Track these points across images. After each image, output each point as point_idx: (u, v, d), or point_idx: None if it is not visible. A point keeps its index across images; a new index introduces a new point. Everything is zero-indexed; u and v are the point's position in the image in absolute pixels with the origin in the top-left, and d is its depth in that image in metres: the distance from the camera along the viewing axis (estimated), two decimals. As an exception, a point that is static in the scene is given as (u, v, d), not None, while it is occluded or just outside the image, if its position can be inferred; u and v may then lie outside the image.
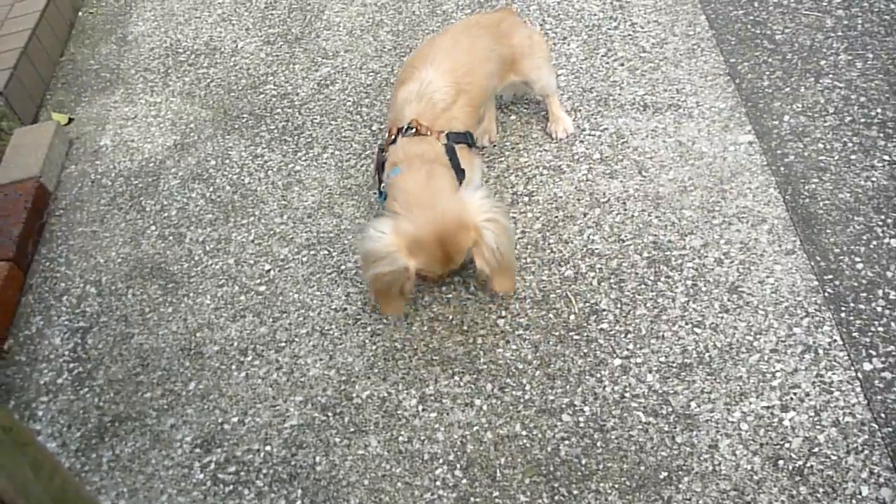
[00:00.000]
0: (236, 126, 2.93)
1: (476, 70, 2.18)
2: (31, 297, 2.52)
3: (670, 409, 1.87)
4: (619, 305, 2.09)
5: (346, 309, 2.25)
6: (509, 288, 2.08)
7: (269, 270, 2.41)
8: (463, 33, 2.27)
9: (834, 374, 1.86)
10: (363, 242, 1.93)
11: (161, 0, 3.71)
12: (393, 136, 2.08)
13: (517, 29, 2.41)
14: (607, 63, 2.76)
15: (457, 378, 2.03)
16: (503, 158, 2.52)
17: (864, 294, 1.99)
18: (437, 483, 1.86)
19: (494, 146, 2.56)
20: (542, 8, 3.05)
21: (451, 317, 2.16)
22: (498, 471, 1.85)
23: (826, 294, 2.01)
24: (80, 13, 3.77)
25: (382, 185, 2.07)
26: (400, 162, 2.01)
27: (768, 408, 1.83)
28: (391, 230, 1.89)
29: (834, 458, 1.73)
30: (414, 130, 2.04)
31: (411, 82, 2.13)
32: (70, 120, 3.17)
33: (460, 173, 2.06)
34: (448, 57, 2.16)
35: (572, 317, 2.10)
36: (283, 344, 2.21)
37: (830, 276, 2.04)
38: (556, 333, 2.07)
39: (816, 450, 1.75)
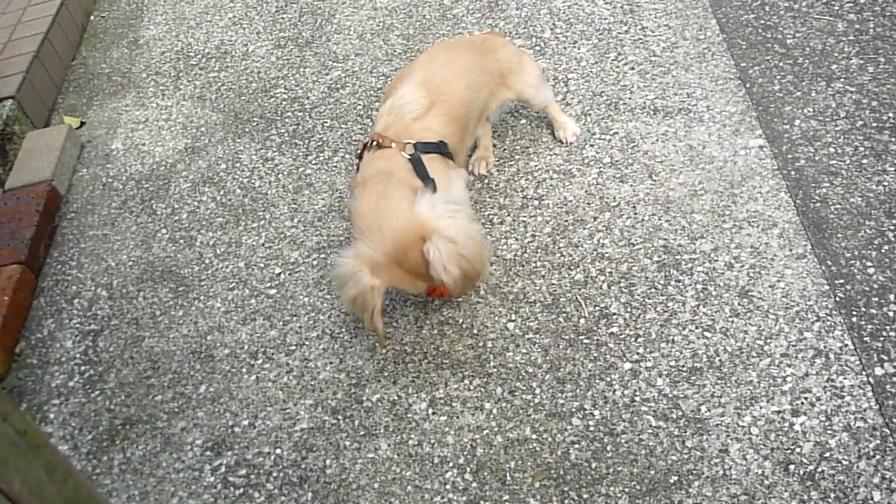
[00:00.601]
0: (247, 130, 2.94)
1: (454, 81, 2.15)
2: (43, 300, 2.53)
3: (680, 414, 1.87)
4: (629, 309, 2.09)
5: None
6: (478, 277, 1.99)
7: (279, 274, 2.41)
8: (442, 50, 2.29)
9: (845, 378, 1.85)
10: (331, 270, 1.97)
11: (172, 4, 3.73)
12: (359, 151, 2.09)
13: (503, 45, 2.42)
14: (618, 67, 2.76)
15: (467, 382, 2.04)
16: (513, 162, 2.53)
17: (876, 298, 1.98)
18: (447, 486, 1.86)
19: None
20: (552, 12, 3.05)
21: (460, 320, 2.16)
22: (508, 474, 1.85)
23: (837, 298, 2.00)
24: (91, 17, 3.79)
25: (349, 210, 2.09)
26: (357, 185, 2.01)
27: (779, 412, 1.83)
28: (352, 254, 1.90)
29: (845, 462, 1.72)
30: (376, 144, 2.03)
31: (389, 99, 2.14)
32: (82, 123, 3.19)
33: (429, 183, 1.99)
34: (423, 70, 2.15)
35: (582, 321, 2.10)
36: (293, 347, 2.22)
37: (842, 281, 2.03)
38: (566, 337, 2.07)
39: (828, 454, 1.74)
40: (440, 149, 2.06)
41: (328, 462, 1.96)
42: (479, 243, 1.93)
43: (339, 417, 2.04)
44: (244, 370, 2.20)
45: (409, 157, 2.00)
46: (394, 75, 2.95)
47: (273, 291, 2.37)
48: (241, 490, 1.96)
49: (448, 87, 2.13)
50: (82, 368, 2.31)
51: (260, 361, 2.21)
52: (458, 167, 2.19)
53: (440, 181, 2.01)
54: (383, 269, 1.89)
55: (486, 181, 2.49)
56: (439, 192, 1.99)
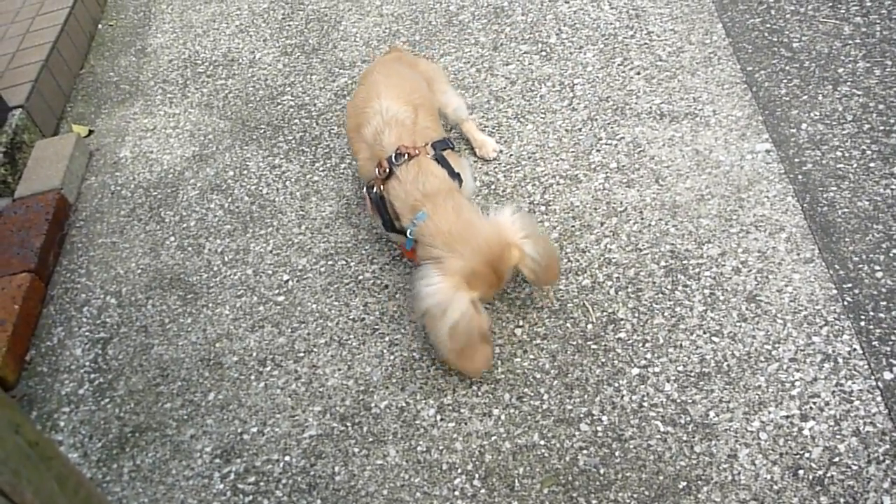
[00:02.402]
0: (254, 137, 2.96)
1: (417, 87, 2.30)
2: (53, 308, 2.55)
3: (689, 419, 1.87)
4: (636, 315, 2.09)
5: (363, 319, 2.26)
6: (555, 278, 2.16)
7: (287, 281, 2.42)
8: (382, 70, 2.36)
9: (854, 383, 1.85)
10: (421, 303, 1.90)
11: (180, 12, 3.75)
12: (385, 169, 2.06)
13: (418, 59, 2.60)
14: (624, 72, 2.76)
15: (475, 388, 2.04)
16: (520, 168, 2.53)
17: (884, 303, 1.97)
18: (456, 493, 1.86)
19: (502, 153, 2.57)
20: (557, 17, 3.06)
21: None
22: (516, 480, 1.85)
23: (845, 303, 2.00)
24: (99, 26, 3.82)
25: (408, 233, 2.02)
26: (419, 203, 2.00)
27: (788, 417, 1.82)
28: (442, 276, 1.88)
29: (855, 467, 1.72)
30: (406, 157, 2.04)
31: (371, 119, 2.16)
32: (90, 132, 3.20)
33: (456, 178, 2.09)
34: (388, 86, 2.22)
35: (590, 326, 2.10)
36: (301, 354, 2.22)
37: (849, 285, 2.03)
38: (574, 343, 2.07)
39: (837, 459, 1.74)
40: (448, 143, 2.16)
41: (337, 469, 1.97)
42: (549, 241, 2.13)
43: (348, 424, 2.04)
44: (253, 377, 2.20)
45: (433, 157, 2.07)
46: (400, 82, 2.96)
47: (281, 298, 2.38)
48: (251, 497, 1.96)
49: (417, 92, 2.26)
50: (92, 376, 2.32)
51: (268, 368, 2.21)
52: (462, 156, 2.31)
53: (461, 174, 2.12)
54: (477, 277, 1.90)
55: (493, 187, 2.49)
56: (468, 183, 2.18)
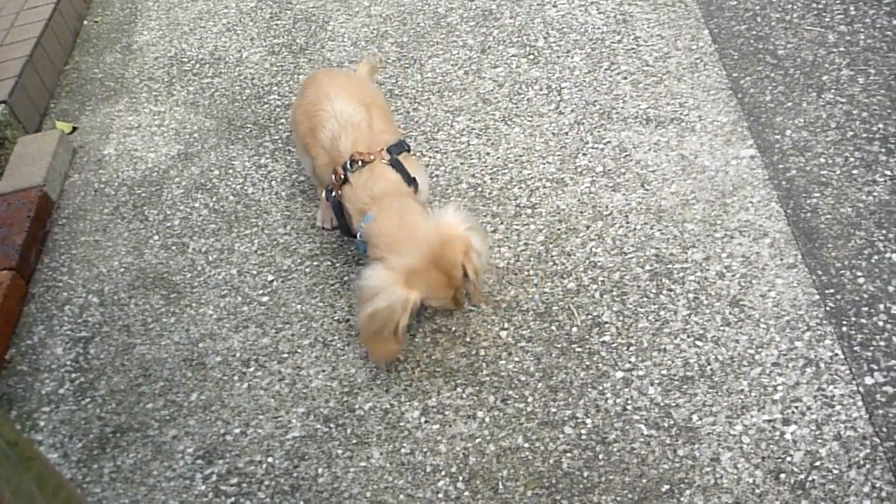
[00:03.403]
0: (240, 136, 2.94)
1: (364, 86, 2.34)
2: (34, 306, 2.52)
3: (672, 422, 1.88)
4: (621, 318, 2.10)
5: (349, 320, 2.25)
6: (478, 299, 2.15)
7: (272, 281, 2.41)
8: (328, 72, 2.43)
9: (835, 387, 1.86)
10: (358, 282, 1.95)
11: (166, 10, 3.73)
12: (341, 176, 2.09)
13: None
14: (610, 77, 2.77)
15: (459, 390, 2.04)
16: (506, 171, 2.53)
17: (866, 308, 1.99)
18: (440, 495, 1.86)
19: (489, 156, 2.58)
20: (545, 21, 3.07)
21: (453, 328, 2.17)
22: (500, 483, 1.85)
23: (827, 308, 2.01)
24: (84, 22, 3.79)
25: (357, 235, 2.07)
26: (366, 206, 2.04)
27: (770, 421, 1.83)
28: (385, 268, 1.92)
29: (836, 471, 1.73)
30: (360, 163, 2.08)
31: (326, 122, 2.18)
32: (74, 129, 3.18)
33: (412, 183, 2.12)
34: (337, 89, 2.25)
35: (575, 329, 2.10)
36: (285, 355, 2.21)
37: (832, 290, 2.04)
38: (559, 346, 2.07)
39: (818, 463, 1.75)
40: (404, 146, 2.18)
41: (320, 470, 1.96)
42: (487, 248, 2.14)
43: (332, 426, 2.04)
44: (236, 378, 2.19)
45: (388, 162, 2.10)
46: (388, 82, 2.96)
47: (266, 299, 2.37)
48: (233, 499, 1.95)
49: (365, 91, 2.30)
50: (73, 376, 2.30)
51: (252, 369, 2.20)
52: (418, 159, 2.35)
53: (417, 178, 2.15)
54: (421, 275, 1.92)
55: (480, 189, 2.49)
56: (423, 187, 2.18)
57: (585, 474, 1.83)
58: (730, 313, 2.05)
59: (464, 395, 2.02)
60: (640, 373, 1.98)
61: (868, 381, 1.87)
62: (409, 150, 2.20)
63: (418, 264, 1.91)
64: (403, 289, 1.89)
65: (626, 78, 2.75)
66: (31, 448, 1.12)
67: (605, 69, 2.80)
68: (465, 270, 1.96)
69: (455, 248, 1.94)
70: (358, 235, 2.06)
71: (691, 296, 2.11)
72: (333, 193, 2.14)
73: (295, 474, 1.96)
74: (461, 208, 2.04)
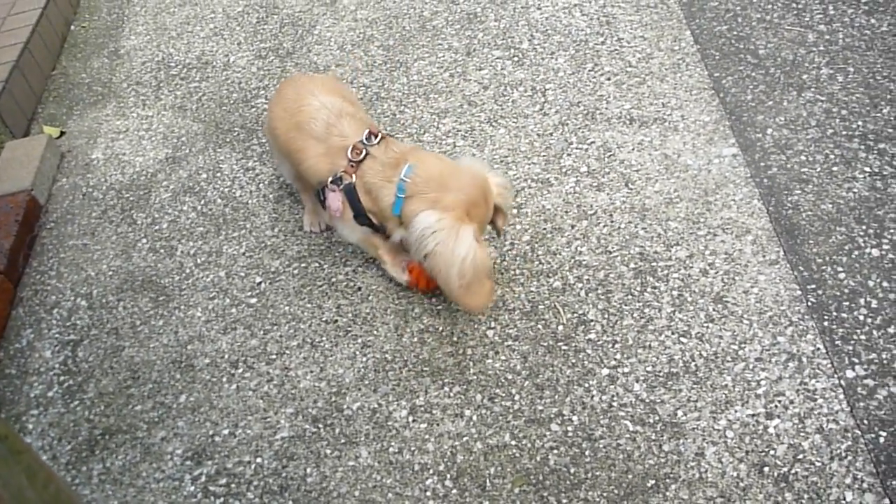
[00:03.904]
0: (228, 139, 2.95)
1: (343, 87, 2.39)
2: (22, 309, 2.53)
3: (657, 418, 1.90)
4: (606, 316, 2.12)
5: (336, 321, 2.27)
6: (507, 222, 2.23)
7: (260, 283, 2.42)
8: (303, 76, 2.42)
9: (817, 381, 1.89)
10: (425, 243, 1.92)
11: (153, 15, 3.74)
12: (360, 151, 2.08)
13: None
14: (594, 77, 2.80)
15: (447, 389, 2.05)
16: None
17: (847, 303, 2.02)
18: (428, 493, 1.87)
19: (475, 156, 2.60)
20: (530, 24, 3.09)
21: (440, 328, 2.18)
22: (488, 480, 1.87)
23: (809, 303, 2.04)
24: (72, 27, 3.79)
25: (399, 189, 2.01)
26: (398, 163, 2.03)
27: (753, 415, 1.86)
28: (443, 212, 1.93)
29: (818, 464, 1.76)
30: (379, 136, 2.10)
31: (316, 114, 2.17)
32: (62, 133, 3.18)
33: None
34: (318, 84, 2.28)
35: (560, 327, 2.12)
36: (273, 356, 2.22)
37: (813, 286, 2.07)
38: (545, 344, 2.09)
39: (801, 456, 1.77)
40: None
41: (309, 470, 1.97)
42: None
43: (320, 426, 2.05)
44: (224, 379, 2.20)
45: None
46: (374, 85, 2.98)
47: (254, 300, 2.38)
48: (222, 499, 1.96)
49: (345, 93, 2.34)
50: (61, 378, 2.30)
51: (240, 370, 2.21)
52: None
53: None
54: (477, 207, 1.97)
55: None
56: None
57: (572, 471, 1.85)
58: (713, 310, 2.08)
59: (451, 394, 2.04)
60: (626, 370, 2.00)
61: (849, 374, 1.89)
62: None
63: (472, 197, 1.96)
64: (469, 227, 1.91)
65: (609, 79, 2.77)
66: (20, 442, 1.12)
67: (589, 70, 2.83)
68: (500, 204, 2.07)
69: (491, 184, 2.04)
70: (398, 190, 2.01)
71: (675, 293, 2.13)
72: (344, 181, 2.10)
73: (284, 474, 1.97)
74: (473, 155, 2.13)
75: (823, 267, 2.11)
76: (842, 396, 1.86)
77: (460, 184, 1.97)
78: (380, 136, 2.10)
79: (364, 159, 2.08)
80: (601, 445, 1.88)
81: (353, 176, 2.09)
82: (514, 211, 2.42)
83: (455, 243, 1.88)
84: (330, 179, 2.12)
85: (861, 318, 1.99)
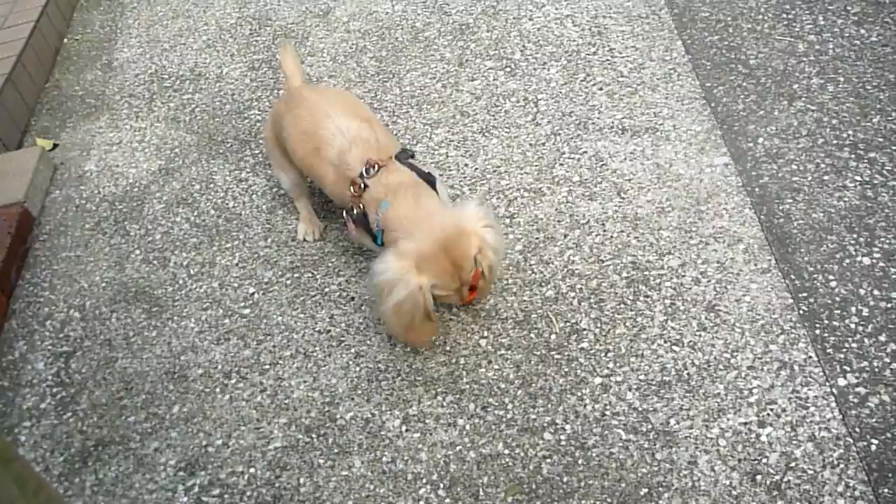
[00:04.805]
0: (221, 151, 2.96)
1: (358, 105, 2.35)
2: (15, 322, 2.52)
3: (650, 427, 1.90)
4: (599, 325, 2.13)
5: (329, 331, 2.27)
6: (485, 293, 2.20)
7: (253, 293, 2.42)
8: (313, 91, 2.38)
9: (809, 389, 1.90)
10: (371, 280, 1.94)
11: (146, 27, 3.75)
12: (360, 186, 2.09)
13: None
14: (586, 88, 2.81)
15: (440, 398, 2.05)
16: (485, 181, 2.56)
17: (838, 311, 2.03)
18: (421, 503, 1.87)
19: (468, 167, 2.61)
20: (522, 34, 3.11)
21: (433, 338, 2.18)
22: (481, 490, 1.87)
23: (801, 311, 2.05)
24: (65, 40, 3.80)
25: (374, 226, 2.07)
26: (382, 196, 2.04)
27: (746, 424, 1.86)
28: (394, 257, 1.91)
29: (810, 472, 1.76)
30: (376, 168, 2.09)
31: (331, 139, 2.17)
32: (55, 146, 3.18)
33: (428, 178, 2.13)
34: (332, 106, 2.25)
35: (553, 336, 2.13)
36: (267, 366, 2.22)
37: (805, 294, 2.08)
38: (538, 353, 2.10)
39: (793, 464, 1.78)
40: (409, 153, 2.20)
41: (302, 480, 1.97)
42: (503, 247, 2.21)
43: (313, 436, 2.04)
44: (218, 390, 2.20)
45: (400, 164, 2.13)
46: (367, 96, 2.99)
47: (247, 311, 2.38)
48: (215, 510, 1.96)
49: (358, 107, 2.31)
50: (54, 390, 2.30)
51: (234, 381, 2.21)
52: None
53: (432, 174, 2.17)
54: (430, 262, 1.90)
55: (459, 201, 2.52)
56: (439, 185, 2.17)
57: (565, 479, 1.85)
58: (705, 318, 2.08)
59: (444, 404, 2.04)
60: (618, 378, 2.01)
61: (841, 382, 1.90)
62: (413, 156, 2.20)
63: (428, 249, 1.90)
64: (416, 276, 1.88)
65: (601, 89, 2.79)
66: (10, 450, 1.12)
67: (581, 81, 2.84)
68: (480, 266, 1.97)
69: (469, 240, 1.93)
70: (375, 225, 2.04)
71: (668, 302, 2.14)
72: (356, 211, 2.12)
73: (277, 484, 1.97)
74: (484, 203, 2.03)
75: (815, 275, 2.12)
76: (833, 404, 1.86)
77: (422, 234, 1.92)
78: (377, 167, 2.09)
79: (364, 191, 2.10)
80: (594, 454, 1.88)
81: (361, 205, 2.11)
82: (508, 220, 2.43)
83: (394, 288, 1.89)
84: (345, 212, 2.17)
85: (852, 326, 1.99)
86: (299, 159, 2.29)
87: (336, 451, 2.00)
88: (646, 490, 1.80)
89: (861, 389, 1.87)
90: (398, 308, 1.91)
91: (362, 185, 2.09)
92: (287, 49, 2.57)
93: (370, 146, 2.15)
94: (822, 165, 2.38)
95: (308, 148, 2.24)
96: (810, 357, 1.95)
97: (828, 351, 1.96)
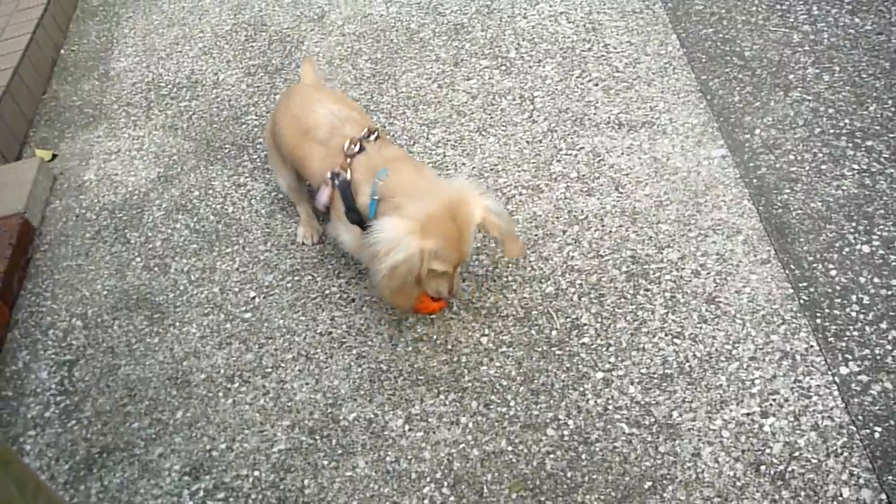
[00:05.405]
0: (219, 157, 2.96)
1: (351, 101, 2.37)
2: (18, 332, 2.53)
3: (653, 420, 1.90)
4: (599, 319, 2.12)
5: (331, 333, 2.27)
6: (522, 252, 2.19)
7: (254, 297, 2.43)
8: (310, 86, 2.43)
9: (812, 379, 1.89)
10: (372, 238, 1.90)
11: (142, 36, 3.76)
12: (356, 145, 2.07)
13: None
14: (582, 84, 2.81)
15: (442, 397, 2.05)
16: (483, 180, 2.56)
17: (839, 300, 2.02)
18: (426, 501, 1.87)
19: (465, 166, 2.61)
20: (516, 32, 3.11)
21: (434, 336, 2.19)
22: (485, 487, 1.87)
23: (801, 301, 2.04)
24: (62, 51, 3.81)
25: (372, 191, 2.01)
26: (379, 165, 2.03)
27: (749, 414, 1.86)
28: (399, 218, 1.89)
29: (814, 461, 1.76)
30: (376, 134, 2.11)
31: (322, 120, 2.18)
32: (54, 156, 3.19)
33: None
34: (323, 95, 2.29)
35: (554, 332, 2.13)
36: (269, 369, 2.23)
37: (805, 284, 2.08)
38: (539, 349, 2.10)
39: (797, 454, 1.77)
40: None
41: (306, 482, 1.97)
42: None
43: (317, 437, 2.05)
44: (221, 394, 2.20)
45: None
46: (363, 98, 2.99)
47: (248, 315, 2.38)
48: (220, 514, 1.96)
49: (353, 105, 2.33)
50: (58, 399, 2.30)
51: (236, 385, 2.21)
52: None
53: None
54: (436, 225, 1.88)
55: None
56: None
57: (569, 475, 1.85)
58: (706, 310, 2.08)
59: (447, 402, 2.04)
60: (620, 372, 2.01)
61: (843, 370, 1.90)
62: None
63: (436, 211, 1.88)
64: (418, 238, 1.86)
65: (597, 85, 2.79)
66: (9, 453, 1.13)
67: (577, 77, 2.84)
68: (490, 231, 1.97)
69: (472, 210, 1.93)
70: (371, 193, 2.00)
71: (668, 295, 2.14)
72: (340, 175, 2.08)
73: (282, 487, 1.97)
74: (470, 176, 2.07)
75: (814, 265, 2.11)
76: (836, 393, 1.86)
77: (427, 198, 1.91)
78: (377, 133, 2.11)
79: (358, 153, 2.07)
80: (597, 449, 1.88)
81: (348, 171, 2.08)
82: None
83: (393, 249, 1.86)
84: (329, 175, 2.11)
85: (853, 314, 1.99)
86: (287, 144, 2.28)
87: (340, 452, 2.00)
88: (650, 483, 1.79)
89: (863, 377, 1.87)
90: (393, 270, 1.88)
91: (358, 147, 2.07)
92: (309, 61, 2.64)
93: (360, 126, 2.16)
94: (820, 155, 2.37)
95: (296, 130, 2.24)
96: (812, 346, 1.95)
97: (829, 340, 1.96)
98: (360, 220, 2.08)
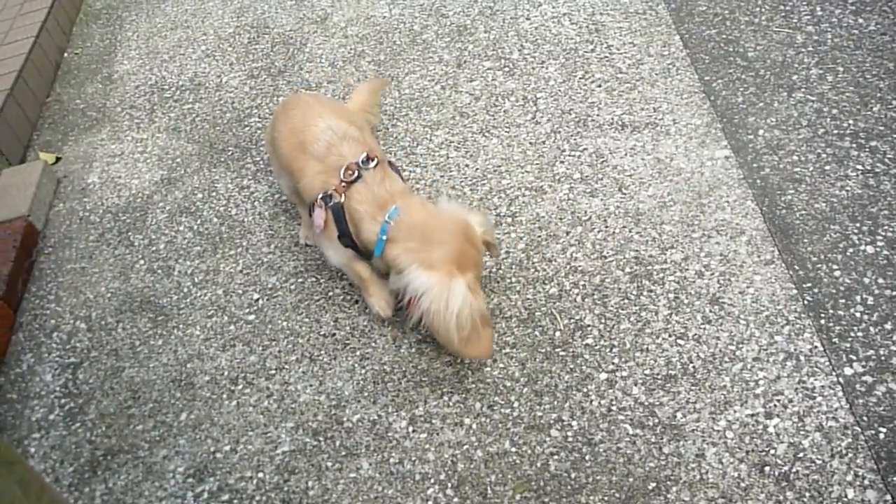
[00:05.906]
0: (222, 159, 2.97)
1: (343, 109, 2.37)
2: (22, 335, 2.53)
3: (657, 421, 1.89)
4: (603, 320, 2.12)
5: (334, 334, 2.27)
6: (498, 251, 2.27)
7: (257, 299, 2.43)
8: (310, 97, 2.40)
9: (816, 379, 1.89)
10: (423, 306, 1.89)
11: (146, 39, 3.77)
12: (353, 172, 2.06)
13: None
14: (585, 85, 2.81)
15: (446, 398, 2.05)
16: (486, 181, 2.56)
17: (843, 300, 2.02)
18: (429, 503, 1.87)
19: (468, 167, 2.61)
20: (519, 34, 3.11)
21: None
22: (489, 488, 1.86)
23: (805, 302, 2.04)
24: (65, 54, 3.82)
25: (382, 230, 2.00)
26: (387, 202, 2.02)
27: (753, 415, 1.86)
28: (428, 270, 1.91)
29: (819, 462, 1.75)
30: (375, 162, 2.07)
31: (320, 135, 2.16)
32: (57, 159, 3.20)
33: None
34: (324, 109, 2.26)
35: (558, 333, 2.12)
36: (273, 371, 2.23)
37: (809, 284, 2.07)
38: (543, 350, 2.09)
39: (801, 455, 1.77)
40: (396, 168, 2.20)
41: (310, 484, 1.97)
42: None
43: (321, 439, 2.05)
44: (224, 396, 2.20)
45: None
46: (366, 100, 2.99)
47: (252, 317, 2.38)
48: (224, 515, 1.96)
49: (347, 112, 2.32)
50: (62, 401, 2.31)
51: (240, 387, 2.21)
52: None
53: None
54: (465, 256, 1.94)
55: (460, 201, 2.52)
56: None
57: (573, 476, 1.85)
58: (710, 311, 2.08)
59: (450, 403, 2.04)
60: (624, 373, 2.00)
61: (847, 371, 1.89)
62: (399, 173, 2.19)
63: (459, 247, 1.94)
64: (460, 276, 1.89)
65: (600, 86, 2.79)
66: (12, 453, 1.13)
67: (580, 78, 2.84)
68: (486, 242, 2.06)
69: (475, 226, 2.03)
70: (381, 232, 2.00)
71: (671, 296, 2.14)
72: (334, 199, 2.08)
73: (286, 488, 1.97)
74: (449, 197, 2.17)
75: (819, 265, 2.11)
76: (840, 394, 1.85)
77: (444, 236, 1.94)
78: (376, 161, 2.07)
79: (355, 181, 2.06)
80: (601, 450, 1.87)
81: (343, 196, 2.07)
82: (510, 219, 2.43)
83: (448, 299, 1.86)
84: (320, 196, 2.10)
85: (857, 315, 1.99)
86: (283, 155, 2.25)
87: (343, 453, 2.00)
88: (654, 484, 1.79)
89: (868, 378, 1.87)
90: (460, 318, 1.86)
91: (355, 172, 2.06)
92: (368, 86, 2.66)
93: (359, 143, 2.14)
94: (824, 155, 2.37)
95: (293, 143, 2.21)
96: (816, 347, 1.95)
97: (833, 340, 1.95)
98: (352, 244, 2.10)
